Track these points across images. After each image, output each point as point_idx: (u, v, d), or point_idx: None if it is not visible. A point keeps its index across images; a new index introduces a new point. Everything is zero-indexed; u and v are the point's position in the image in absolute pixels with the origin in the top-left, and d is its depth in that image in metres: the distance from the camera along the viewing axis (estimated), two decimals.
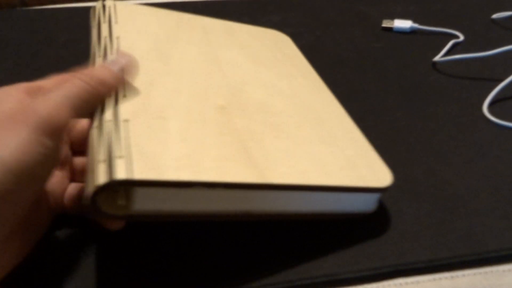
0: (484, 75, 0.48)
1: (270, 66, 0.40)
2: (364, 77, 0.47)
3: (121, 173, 0.24)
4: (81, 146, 0.32)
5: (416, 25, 0.56)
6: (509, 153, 0.38)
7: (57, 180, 0.31)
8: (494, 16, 0.59)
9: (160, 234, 0.30)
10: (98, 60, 0.32)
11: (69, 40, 0.52)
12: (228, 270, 0.28)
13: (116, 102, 0.28)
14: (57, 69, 0.45)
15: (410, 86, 0.46)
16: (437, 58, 0.50)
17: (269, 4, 0.61)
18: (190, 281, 0.28)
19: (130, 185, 0.24)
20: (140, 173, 0.24)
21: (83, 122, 0.32)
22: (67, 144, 0.33)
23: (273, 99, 0.34)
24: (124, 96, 0.29)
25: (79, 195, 0.31)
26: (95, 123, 0.28)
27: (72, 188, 0.32)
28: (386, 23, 0.56)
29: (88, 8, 0.49)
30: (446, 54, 0.51)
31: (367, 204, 0.31)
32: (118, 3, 0.40)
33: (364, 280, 0.29)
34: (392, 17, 0.58)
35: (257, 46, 0.43)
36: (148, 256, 0.29)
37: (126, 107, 0.28)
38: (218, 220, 0.28)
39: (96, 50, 0.34)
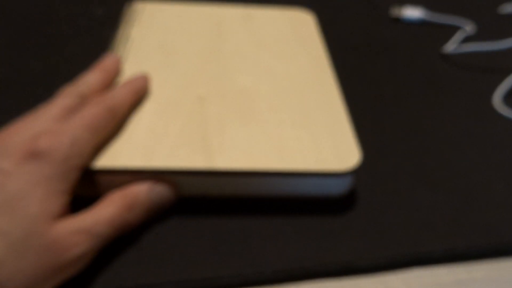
0: (495, 67, 0.48)
1: (274, 49, 0.41)
2: (373, 66, 0.46)
3: None
4: None
5: (425, 14, 0.55)
6: None
7: None
8: (506, 7, 0.59)
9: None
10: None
11: (70, 15, 0.50)
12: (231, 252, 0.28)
13: None
14: (56, 47, 0.43)
15: (421, 76, 0.45)
16: (447, 48, 0.49)
17: None
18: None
19: (91, 173, 0.28)
20: (98, 162, 0.28)
21: None
22: None
23: (260, 84, 0.36)
24: None
25: None
26: None
27: None
28: (395, 11, 0.55)
29: None
30: (456, 44, 0.51)
31: (333, 187, 0.30)
32: (148, 5, 0.45)
33: (379, 268, 0.28)
34: (401, 4, 0.56)
35: (270, 30, 0.44)
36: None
37: None
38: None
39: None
